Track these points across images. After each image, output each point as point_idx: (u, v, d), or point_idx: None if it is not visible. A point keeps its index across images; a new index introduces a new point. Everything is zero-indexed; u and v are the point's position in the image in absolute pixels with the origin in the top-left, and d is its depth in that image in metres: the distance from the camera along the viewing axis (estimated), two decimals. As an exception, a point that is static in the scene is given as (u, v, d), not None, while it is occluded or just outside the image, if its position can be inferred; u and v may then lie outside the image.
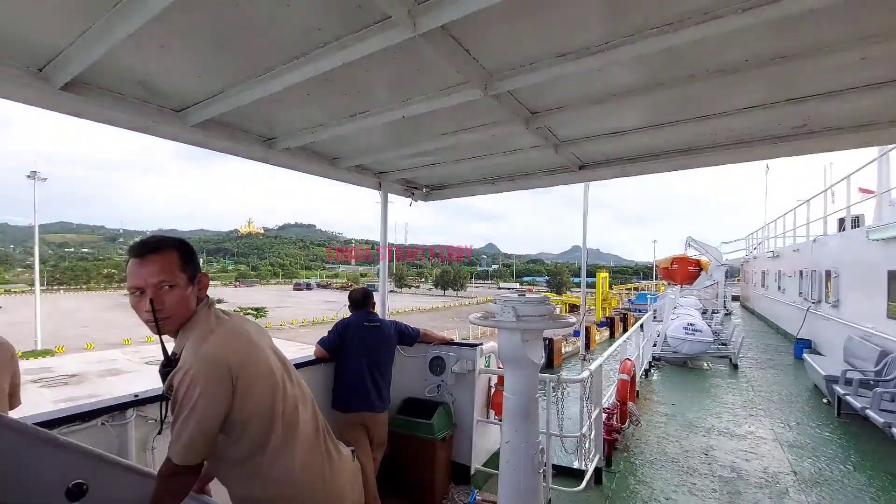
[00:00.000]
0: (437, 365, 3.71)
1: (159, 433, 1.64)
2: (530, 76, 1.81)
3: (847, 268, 8.67)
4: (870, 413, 4.84)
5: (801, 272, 11.97)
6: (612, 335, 19.71)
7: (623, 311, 23.93)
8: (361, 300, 3.25)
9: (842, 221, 10.02)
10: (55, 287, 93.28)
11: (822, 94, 2.09)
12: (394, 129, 2.57)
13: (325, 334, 3.22)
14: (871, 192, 9.55)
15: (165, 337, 1.35)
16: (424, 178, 3.91)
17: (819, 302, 10.17)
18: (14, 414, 1.69)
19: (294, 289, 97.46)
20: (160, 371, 1.35)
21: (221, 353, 1.27)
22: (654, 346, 9.46)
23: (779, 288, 15.04)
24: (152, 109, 2.19)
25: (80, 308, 54.62)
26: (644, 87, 2.02)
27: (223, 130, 2.49)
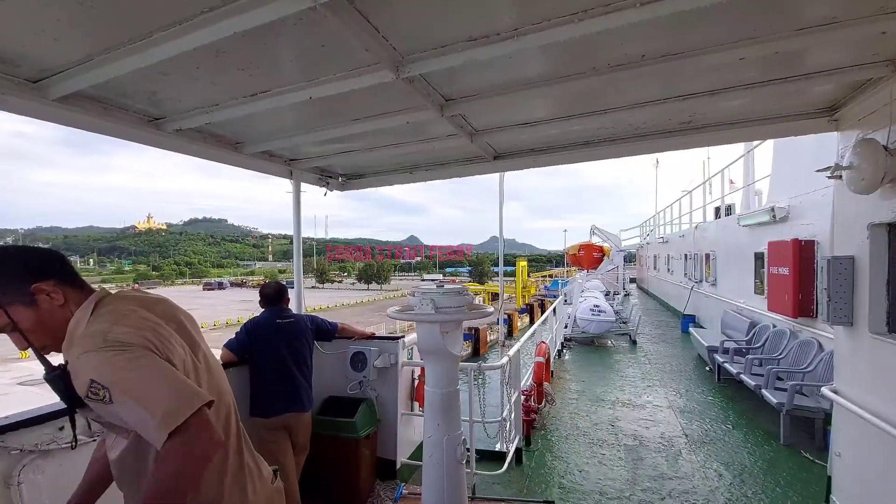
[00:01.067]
0: (358, 361, 3.59)
1: (73, 447, 1.26)
2: (442, 60, 1.77)
3: (723, 250, 9.96)
4: (743, 377, 5.61)
5: (685, 255, 13.55)
6: (531, 321, 20.79)
7: (541, 297, 25.25)
8: (274, 295, 3.03)
9: (717, 210, 11.48)
10: None
11: (705, 92, 2.31)
12: (303, 111, 2.39)
13: (232, 336, 2.96)
14: (734, 183, 11.09)
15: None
16: (339, 167, 3.74)
17: (701, 281, 11.59)
18: None
19: (204, 288, 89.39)
20: (46, 378, 1.08)
21: (122, 335, 1.04)
22: (566, 327, 10.14)
23: (668, 270, 16.92)
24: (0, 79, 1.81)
25: None
26: (552, 78, 2.09)
27: (95, 107, 2.14)
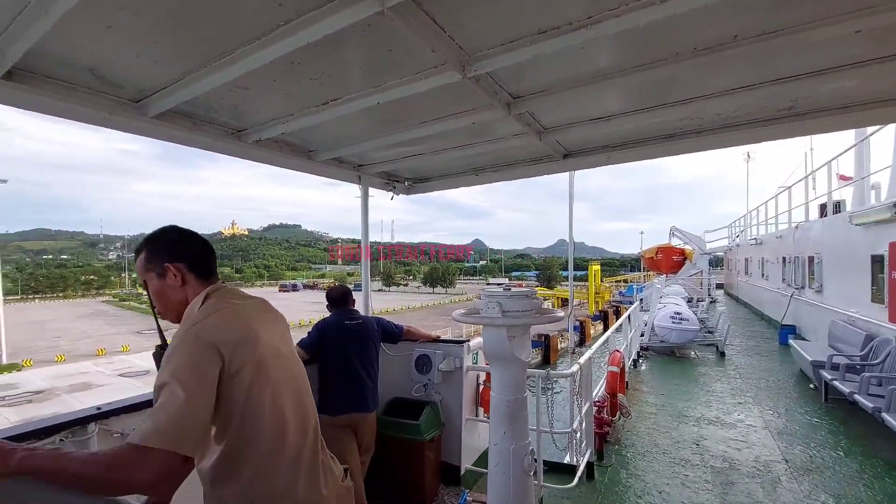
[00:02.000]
0: (423, 364, 3.60)
1: None
2: (510, 56, 1.70)
3: (830, 253, 8.78)
4: (858, 398, 4.87)
5: (784, 258, 12.15)
6: (605, 329, 19.72)
7: (615, 303, 23.84)
8: (340, 298, 3.13)
9: (823, 207, 10.16)
10: (30, 296, 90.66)
11: (811, 72, 2.02)
12: (370, 117, 2.44)
13: (305, 335, 3.10)
14: (850, 178, 9.71)
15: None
16: (405, 171, 3.79)
17: (802, 288, 10.32)
18: (46, 411, 1.57)
19: (280, 290, 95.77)
20: (154, 355, 1.32)
21: (205, 330, 1.17)
22: (642, 335, 9.50)
23: (762, 275, 15.27)
24: (108, 100, 2.04)
25: (55, 317, 52.83)
26: (627, 68, 1.93)
27: (186, 122, 2.34)
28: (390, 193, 3.99)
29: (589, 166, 3.27)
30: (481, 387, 3.85)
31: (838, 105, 2.41)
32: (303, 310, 49.05)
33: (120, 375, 19.50)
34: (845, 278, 7.85)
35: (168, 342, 1.23)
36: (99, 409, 1.98)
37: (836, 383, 5.45)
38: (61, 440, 1.82)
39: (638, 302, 10.25)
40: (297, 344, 3.08)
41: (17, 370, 23.37)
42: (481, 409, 3.84)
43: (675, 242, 17.83)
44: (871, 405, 4.59)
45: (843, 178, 10.05)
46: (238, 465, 1.20)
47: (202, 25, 1.52)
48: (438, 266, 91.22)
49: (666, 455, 4.43)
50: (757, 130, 2.67)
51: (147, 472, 0.98)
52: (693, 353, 9.38)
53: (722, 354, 9.08)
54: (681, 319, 9.22)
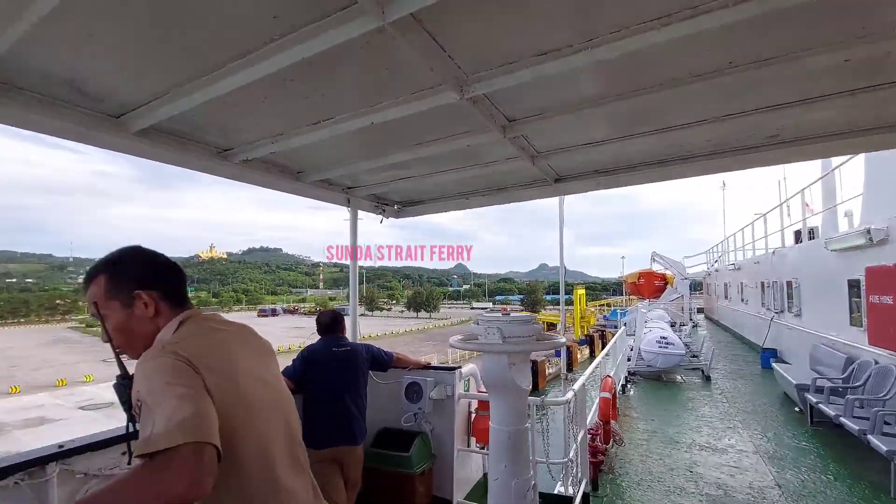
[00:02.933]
0: (413, 391, 3.46)
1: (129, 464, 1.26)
2: (509, 77, 1.69)
3: (807, 278, 9.01)
4: (844, 421, 4.89)
5: (762, 283, 12.42)
6: (591, 353, 19.50)
7: (600, 328, 23.76)
8: (330, 324, 3.00)
9: (798, 234, 10.49)
10: None
11: (798, 101, 2.06)
12: (363, 138, 2.39)
13: (289, 363, 2.94)
14: (811, 207, 10.11)
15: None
16: (396, 194, 3.73)
17: (782, 312, 10.52)
18: None
19: (258, 315, 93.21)
20: (115, 386, 1.15)
21: (182, 349, 1.04)
22: (629, 360, 9.47)
23: (742, 299, 15.57)
24: (86, 114, 1.93)
25: (13, 345, 49.44)
26: (620, 94, 1.95)
27: (171, 140, 2.25)
28: (379, 217, 3.92)
29: (580, 191, 3.27)
30: (473, 415, 3.71)
31: (821, 133, 2.48)
32: (283, 336, 47.61)
33: (80, 409, 18.43)
34: (823, 302, 8.03)
35: (128, 373, 1.11)
36: (61, 446, 1.80)
37: (822, 406, 5.48)
38: (16, 483, 1.64)
39: (623, 327, 10.27)
40: (281, 372, 2.92)
41: None
42: (473, 439, 3.69)
43: (657, 268, 18.10)
44: (856, 427, 4.60)
45: (808, 207, 10.43)
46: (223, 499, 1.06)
47: (190, 37, 1.44)
48: (422, 290, 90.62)
49: (661, 483, 4.32)
50: (743, 157, 2.72)
51: (156, 481, 0.86)
52: (679, 377, 9.37)
53: (708, 378, 9.10)
54: (667, 344, 9.25)
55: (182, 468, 0.87)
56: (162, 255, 1.26)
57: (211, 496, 1.03)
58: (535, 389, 16.32)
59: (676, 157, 2.85)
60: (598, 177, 3.14)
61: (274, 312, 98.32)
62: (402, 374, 3.51)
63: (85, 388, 22.98)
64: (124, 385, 1.11)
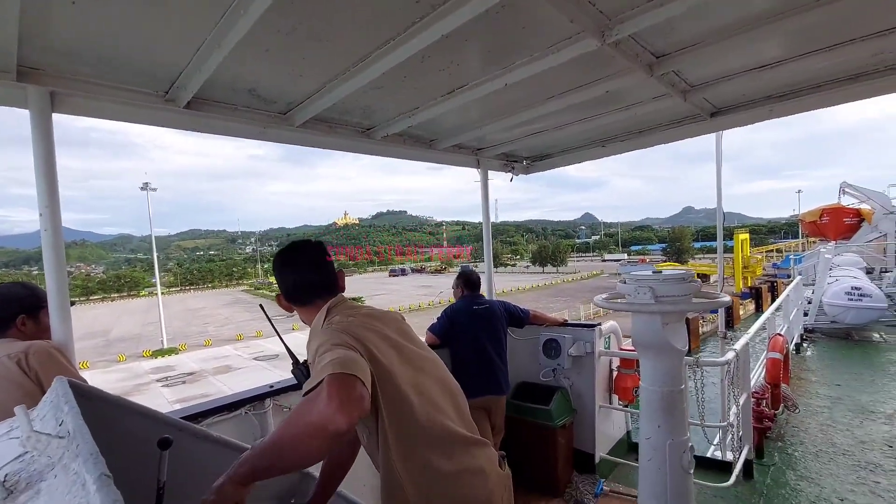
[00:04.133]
0: (551, 348, 3.51)
1: None
2: (657, 13, 1.49)
3: None
4: None
5: None
6: (758, 308, 16.69)
7: (769, 278, 19.91)
8: (477, 281, 3.24)
9: None
10: (187, 287, 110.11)
11: None
12: (494, 99, 2.36)
13: (435, 321, 3.22)
14: None
15: (293, 337, 1.40)
16: (525, 150, 3.65)
17: None
18: (167, 407, 1.90)
19: (390, 275, 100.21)
20: (293, 372, 1.38)
21: (341, 325, 1.26)
22: (805, 315, 8.06)
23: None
24: (262, 115, 2.28)
25: (205, 305, 62.17)
26: (792, 9, 1.60)
27: (324, 127, 2.53)
28: (509, 174, 3.90)
29: (743, 123, 2.79)
30: (615, 373, 3.63)
31: None
32: (413, 295, 51.12)
33: (254, 359, 22.45)
34: None
35: (298, 360, 1.35)
36: (272, 386, 2.30)
37: None
38: (245, 412, 2.16)
39: (797, 276, 8.67)
40: (428, 329, 3.22)
41: (176, 353, 28.10)
42: (615, 397, 3.63)
43: (847, 202, 14.60)
44: None
45: None
46: (409, 444, 1.21)
47: (340, 37, 1.59)
48: (547, 244, 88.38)
49: (847, 456, 3.73)
50: None
51: (320, 406, 0.97)
52: (878, 335, 7.70)
53: (920, 338, 7.32)
54: (861, 296, 7.59)
55: (328, 395, 0.97)
56: (333, 271, 1.48)
57: (393, 439, 1.21)
58: (688, 349, 14.91)
59: (884, 67, 2.22)
60: (769, 103, 2.63)
61: (403, 272, 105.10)
62: (540, 330, 3.56)
63: (257, 341, 28.21)
64: (300, 370, 1.35)
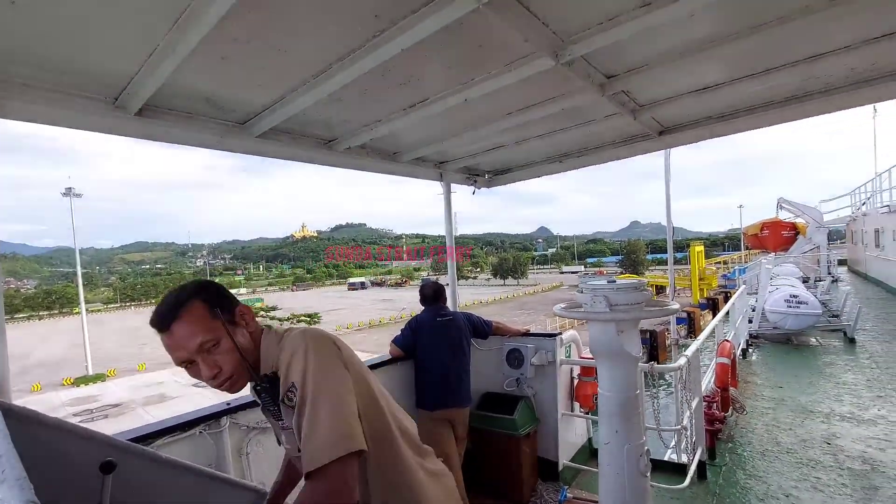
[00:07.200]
0: (514, 358, 3.56)
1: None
2: (608, 35, 1.58)
3: None
4: None
5: (928, 228, 10.25)
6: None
7: (722, 289, 20.73)
8: (433, 296, 3.19)
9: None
10: (127, 304, 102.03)
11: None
12: (455, 114, 2.41)
13: (398, 333, 3.20)
14: None
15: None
16: (487, 164, 3.74)
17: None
18: (116, 427, 1.77)
19: (349, 289, 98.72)
20: (254, 390, 1.22)
21: (311, 329, 1.18)
22: (750, 322, 8.58)
23: (899, 247, 13.02)
24: (219, 125, 2.22)
25: (144, 324, 58.50)
26: (737, 32, 1.73)
27: (284, 137, 2.49)
28: (471, 188, 3.97)
29: (688, 141, 2.99)
30: (576, 381, 3.72)
31: None
32: (372, 310, 49.52)
33: (193, 385, 19.75)
34: None
35: (264, 376, 1.16)
36: (228, 404, 2.21)
37: None
38: (200, 432, 2.06)
39: (742, 286, 9.24)
40: (392, 341, 3.19)
41: (102, 380, 25.35)
42: (577, 404, 3.72)
43: (784, 216, 15.74)
44: None
45: None
46: (391, 448, 1.21)
47: (300, 48, 1.59)
48: (508, 256, 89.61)
49: (790, 455, 3.97)
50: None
51: (345, 483, 0.97)
52: (815, 339, 8.29)
53: (851, 341, 7.92)
54: (798, 303, 8.16)
55: (341, 482, 0.97)
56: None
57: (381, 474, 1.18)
58: (656, 362, 15.21)
59: (814, 91, 2.45)
60: (710, 123, 2.83)
61: (363, 286, 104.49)
62: (502, 341, 3.61)
63: (190, 368, 26.11)
64: (262, 389, 1.16)
